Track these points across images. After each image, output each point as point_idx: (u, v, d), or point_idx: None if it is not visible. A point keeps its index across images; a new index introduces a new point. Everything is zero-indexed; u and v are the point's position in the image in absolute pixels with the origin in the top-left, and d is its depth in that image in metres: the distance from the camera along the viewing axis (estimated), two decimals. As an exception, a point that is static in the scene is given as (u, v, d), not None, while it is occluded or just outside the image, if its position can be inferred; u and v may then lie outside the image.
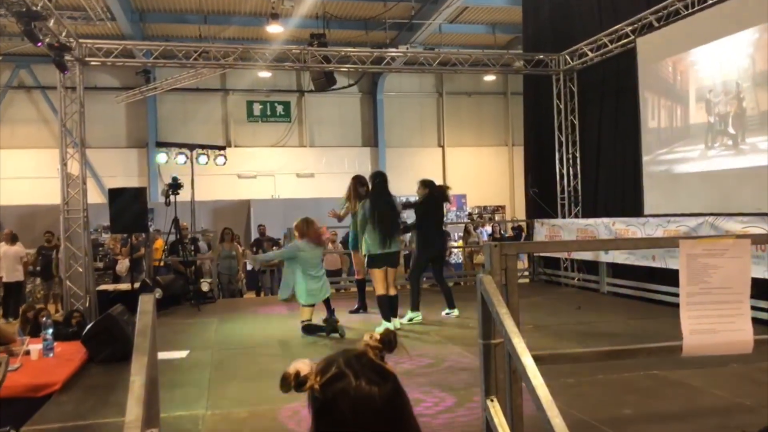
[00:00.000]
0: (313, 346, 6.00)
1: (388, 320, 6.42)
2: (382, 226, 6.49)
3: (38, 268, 11.60)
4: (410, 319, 7.07)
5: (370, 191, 6.79)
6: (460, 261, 14.28)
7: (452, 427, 3.67)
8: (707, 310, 2.60)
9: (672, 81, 8.32)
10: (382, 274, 6.55)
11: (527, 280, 11.00)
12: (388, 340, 1.32)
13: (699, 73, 7.82)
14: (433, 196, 7.40)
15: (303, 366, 1.23)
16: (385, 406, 1.19)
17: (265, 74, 16.49)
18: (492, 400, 2.35)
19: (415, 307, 7.14)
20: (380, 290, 6.56)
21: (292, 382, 1.22)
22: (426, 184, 7.48)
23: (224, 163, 13.94)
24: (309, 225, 6.73)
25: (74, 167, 8.64)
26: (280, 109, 18.25)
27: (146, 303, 2.14)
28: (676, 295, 2.66)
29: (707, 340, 2.60)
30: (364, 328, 6.70)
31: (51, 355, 5.22)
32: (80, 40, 8.88)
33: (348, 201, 7.14)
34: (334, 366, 1.21)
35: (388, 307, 6.55)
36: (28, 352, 5.08)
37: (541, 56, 10.80)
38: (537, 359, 2.07)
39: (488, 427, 2.35)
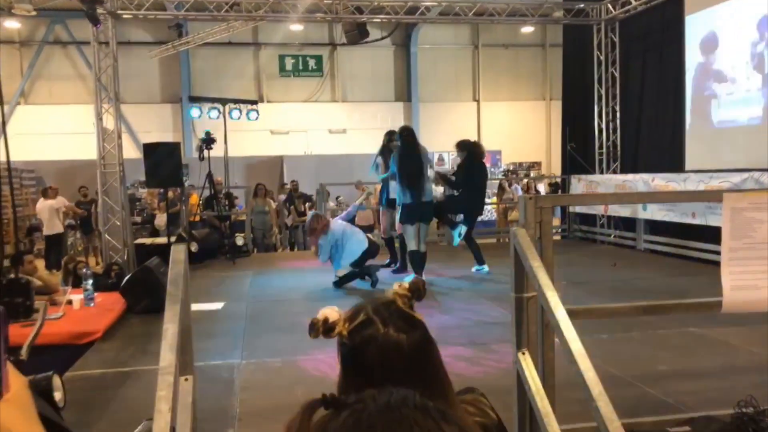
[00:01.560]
0: (346, 298, 6.08)
1: (420, 275, 6.43)
2: (411, 181, 6.44)
3: (78, 222, 11.96)
4: (477, 270, 7.35)
5: (399, 146, 6.72)
6: (494, 218, 14.15)
7: (483, 378, 3.68)
8: (750, 266, 2.50)
9: (720, 29, 7.86)
10: (414, 230, 6.53)
11: (560, 237, 10.85)
12: (417, 289, 1.30)
13: (748, 22, 7.36)
14: (475, 157, 7.29)
15: (331, 312, 1.22)
16: (413, 353, 1.18)
17: (297, 27, 16.26)
18: (523, 353, 2.33)
19: (481, 261, 7.33)
20: (413, 245, 6.58)
21: (321, 328, 1.21)
22: (464, 146, 7.34)
23: (257, 118, 13.95)
24: (317, 220, 6.85)
25: (109, 122, 8.76)
26: (312, 63, 18.06)
27: (178, 253, 2.16)
28: (716, 252, 2.56)
29: (749, 296, 2.51)
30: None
31: (92, 305, 5.42)
32: (112, -7, 8.86)
33: (381, 157, 7.16)
34: (362, 313, 1.20)
35: (421, 263, 6.55)
36: (70, 302, 5.28)
37: (582, 5, 10.33)
38: (570, 313, 2.02)
39: (519, 379, 2.34)
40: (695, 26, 8.26)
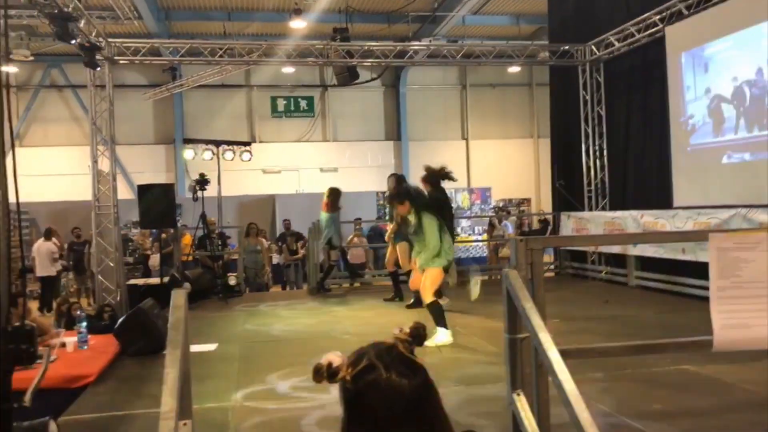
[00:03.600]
0: (340, 339, 6.06)
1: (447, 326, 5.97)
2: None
3: (71, 263, 11.91)
4: None
5: (416, 199, 6.13)
6: (485, 254, 14.22)
7: (479, 420, 3.68)
8: (739, 305, 2.56)
9: (702, 70, 8.14)
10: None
11: (552, 274, 10.91)
12: (418, 334, 1.34)
13: (730, 61, 7.63)
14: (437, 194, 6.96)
15: (335, 358, 1.26)
16: (415, 398, 1.22)
17: (288, 69, 16.59)
18: (519, 394, 2.36)
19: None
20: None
21: (325, 373, 1.25)
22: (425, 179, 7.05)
23: (249, 159, 14.08)
24: None
25: (104, 164, 8.83)
26: (303, 104, 18.36)
27: (179, 298, 2.19)
28: (707, 288, 2.62)
29: (739, 334, 2.56)
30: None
31: (85, 347, 5.38)
32: (109, 40, 9.06)
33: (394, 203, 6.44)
34: (365, 358, 1.23)
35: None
36: (63, 345, 5.23)
37: (567, 47, 10.66)
38: (563, 354, 2.06)
39: (515, 421, 2.36)
40: (676, 66, 8.54)
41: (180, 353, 1.93)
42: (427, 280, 5.83)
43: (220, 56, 9.96)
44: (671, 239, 6.19)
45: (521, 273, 2.33)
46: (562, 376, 1.92)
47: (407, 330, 1.35)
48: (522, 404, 2.31)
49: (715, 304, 2.56)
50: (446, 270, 6.11)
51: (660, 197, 8.86)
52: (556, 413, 2.40)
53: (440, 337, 5.71)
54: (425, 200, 6.20)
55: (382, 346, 1.28)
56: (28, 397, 1.91)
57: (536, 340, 2.08)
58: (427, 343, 5.68)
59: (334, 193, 9.00)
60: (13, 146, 1.54)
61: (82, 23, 7.77)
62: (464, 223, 15.85)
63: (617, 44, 9.87)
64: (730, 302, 2.55)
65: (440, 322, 5.80)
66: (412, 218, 5.87)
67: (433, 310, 5.85)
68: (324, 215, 8.98)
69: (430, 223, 5.77)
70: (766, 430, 3.24)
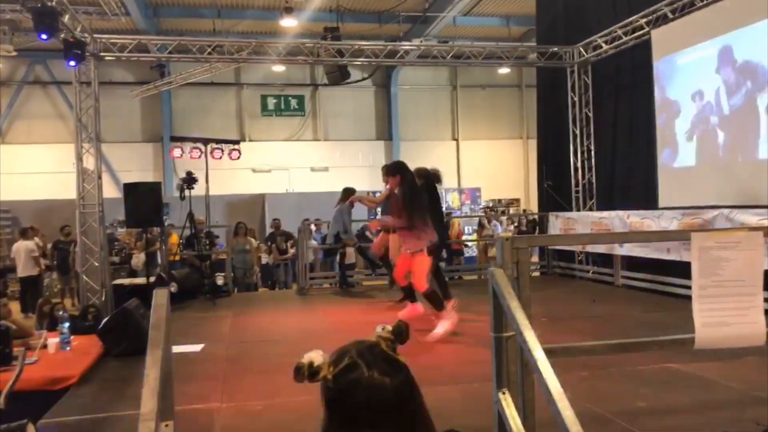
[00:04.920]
0: (328, 339, 6.04)
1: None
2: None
3: (55, 262, 11.76)
4: None
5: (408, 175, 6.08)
6: (475, 254, 14.26)
7: (464, 419, 3.68)
8: (720, 303, 2.59)
9: (686, 73, 8.21)
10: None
11: (538, 273, 10.97)
12: (400, 332, 1.34)
13: (715, 64, 7.71)
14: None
15: (316, 356, 1.25)
16: (397, 396, 1.21)
17: (279, 68, 16.54)
18: (504, 393, 2.37)
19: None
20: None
21: (306, 372, 1.24)
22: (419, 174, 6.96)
23: (238, 158, 14.02)
24: None
25: (89, 162, 8.75)
26: (294, 102, 18.31)
27: (161, 297, 2.18)
28: (691, 287, 2.65)
29: (720, 332, 2.58)
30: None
31: (68, 348, 5.31)
32: (95, 35, 8.98)
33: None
34: (347, 357, 1.23)
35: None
36: (45, 346, 5.17)
37: (555, 49, 10.72)
38: (548, 352, 2.07)
39: (500, 419, 2.36)
40: (662, 69, 8.62)
41: (161, 353, 1.91)
42: (416, 269, 5.80)
43: (209, 54, 9.91)
44: (654, 239, 6.24)
45: (507, 272, 2.34)
46: (547, 375, 1.92)
47: (390, 328, 1.34)
48: (507, 403, 2.32)
49: (697, 303, 2.58)
50: (433, 253, 5.97)
51: (646, 198, 8.94)
52: (542, 412, 2.41)
53: (443, 326, 5.69)
54: (416, 183, 6.07)
55: (364, 345, 1.28)
56: (1, 400, 1.89)
57: (521, 338, 2.09)
58: (431, 337, 5.65)
59: (345, 190, 9.17)
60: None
61: (66, 18, 7.69)
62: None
63: (605, 46, 9.95)
64: (711, 301, 2.58)
65: (440, 307, 5.77)
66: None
67: (430, 297, 5.81)
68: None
69: (415, 199, 5.74)
70: (756, 425, 3.27)
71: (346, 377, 1.21)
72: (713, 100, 7.71)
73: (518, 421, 2.27)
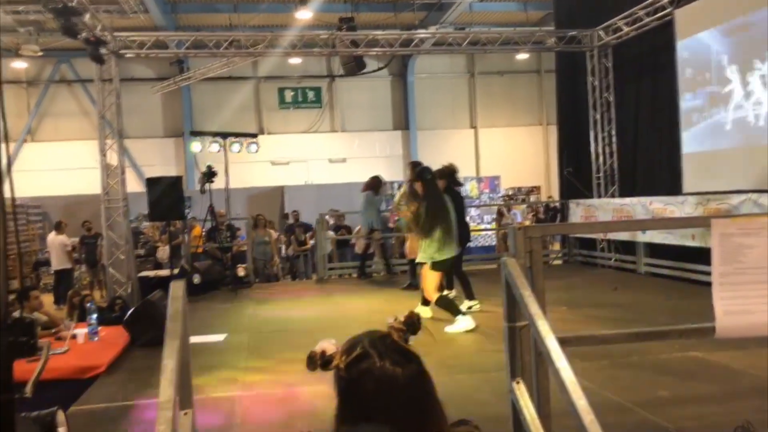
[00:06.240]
0: (347, 328, 6.07)
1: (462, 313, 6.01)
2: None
3: (83, 256, 12.05)
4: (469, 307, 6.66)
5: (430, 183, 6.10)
6: (494, 243, 14.20)
7: (481, 408, 3.69)
8: (741, 291, 2.54)
9: (711, 54, 8.02)
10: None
11: (561, 262, 10.87)
12: (412, 323, 1.34)
13: (740, 45, 7.51)
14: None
15: (329, 346, 1.27)
16: (408, 386, 1.22)
17: (295, 60, 16.56)
18: (518, 382, 2.36)
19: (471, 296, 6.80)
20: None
21: (318, 361, 1.26)
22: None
23: (256, 151, 14.07)
24: None
25: (113, 157, 8.90)
26: (311, 95, 18.35)
27: (177, 289, 2.22)
28: (715, 275, 2.60)
29: (742, 320, 2.54)
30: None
31: (96, 339, 5.45)
32: (115, 33, 9.09)
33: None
34: (359, 346, 1.24)
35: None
36: (74, 336, 5.31)
37: (574, 33, 10.54)
38: (562, 341, 2.06)
39: (514, 408, 2.36)
40: (686, 50, 8.43)
41: (178, 343, 1.95)
42: (425, 281, 6.01)
43: (226, 48, 9.96)
44: (672, 225, 6.13)
45: (520, 261, 2.33)
46: (560, 364, 1.92)
47: (401, 319, 1.35)
48: (521, 392, 2.32)
49: (718, 291, 2.54)
50: (442, 268, 6.01)
51: (670, 183, 8.77)
52: (557, 401, 2.41)
53: (461, 324, 5.73)
54: (438, 191, 6.12)
55: (376, 335, 1.29)
56: (29, 388, 1.95)
57: (534, 328, 2.08)
58: (447, 329, 5.73)
59: (374, 179, 9.38)
60: (6, 139, 1.56)
61: (87, 17, 7.79)
62: (473, 212, 15.83)
63: (625, 29, 9.75)
64: (732, 288, 2.53)
65: (455, 312, 5.86)
66: (412, 205, 5.92)
67: (443, 304, 5.94)
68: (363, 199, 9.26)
69: (428, 211, 5.80)
70: None
71: (357, 367, 1.22)
72: (740, 81, 7.52)
73: (532, 410, 2.27)
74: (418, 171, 6.14)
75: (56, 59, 16.62)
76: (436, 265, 5.90)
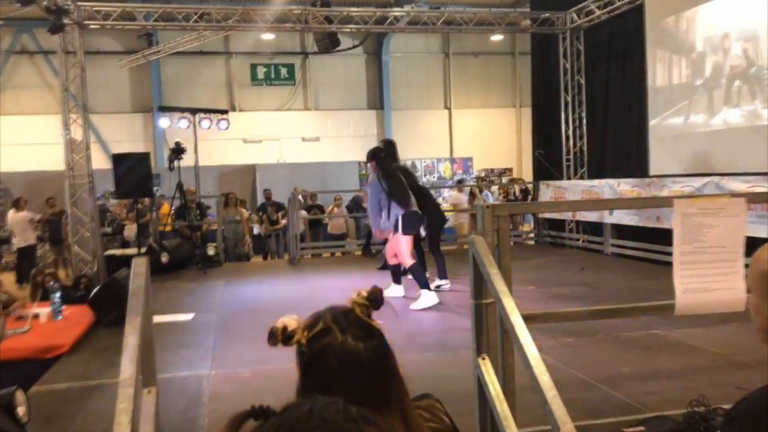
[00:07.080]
0: (317, 308, 6.07)
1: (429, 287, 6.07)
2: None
3: (46, 233, 11.75)
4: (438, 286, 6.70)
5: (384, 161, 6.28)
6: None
7: (448, 384, 3.74)
8: (700, 269, 2.60)
9: (680, 39, 8.13)
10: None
11: (532, 243, 11.03)
12: (375, 298, 1.34)
13: (707, 30, 7.63)
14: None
15: (290, 321, 1.25)
16: (370, 361, 1.21)
17: (268, 36, 16.25)
18: (483, 358, 2.40)
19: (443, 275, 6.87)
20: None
21: (279, 336, 1.24)
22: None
23: (227, 128, 13.88)
24: None
25: (78, 132, 8.64)
26: (284, 71, 18.06)
27: (140, 266, 2.17)
28: (678, 254, 2.66)
29: (700, 298, 2.61)
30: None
31: (60, 318, 5.34)
32: (78, 3, 8.76)
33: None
34: (320, 321, 1.23)
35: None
36: (37, 315, 5.19)
37: (548, 14, 10.56)
38: (528, 318, 2.09)
39: (480, 384, 2.40)
40: (656, 35, 8.53)
41: (141, 320, 1.92)
42: (399, 246, 6.00)
43: (196, 21, 9.71)
44: (637, 205, 6.26)
45: (487, 239, 2.34)
46: (524, 340, 1.95)
47: (364, 294, 1.34)
48: (487, 368, 2.35)
49: (678, 269, 2.60)
50: (412, 229, 6.13)
51: (637, 166, 8.93)
52: (522, 377, 2.45)
53: (424, 300, 5.79)
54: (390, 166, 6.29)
55: (339, 310, 1.28)
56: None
57: (500, 305, 2.11)
58: (412, 306, 5.82)
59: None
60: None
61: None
62: (446, 193, 15.91)
63: (597, 12, 9.81)
64: (692, 267, 2.59)
65: (423, 284, 5.93)
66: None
67: (414, 271, 6.00)
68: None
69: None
70: (737, 388, 3.33)
71: (319, 342, 1.21)
72: (709, 65, 7.64)
73: (497, 385, 2.30)
74: (369, 152, 6.35)
75: (16, 29, 15.97)
76: (405, 229, 5.99)
